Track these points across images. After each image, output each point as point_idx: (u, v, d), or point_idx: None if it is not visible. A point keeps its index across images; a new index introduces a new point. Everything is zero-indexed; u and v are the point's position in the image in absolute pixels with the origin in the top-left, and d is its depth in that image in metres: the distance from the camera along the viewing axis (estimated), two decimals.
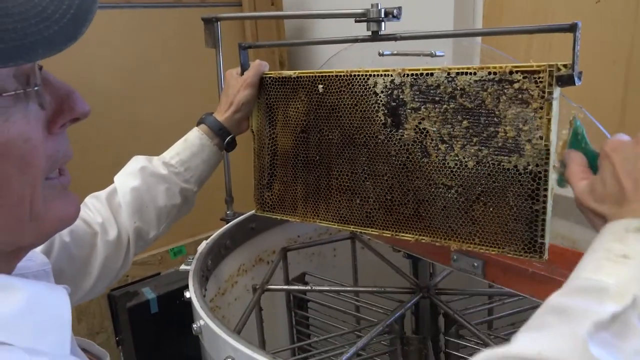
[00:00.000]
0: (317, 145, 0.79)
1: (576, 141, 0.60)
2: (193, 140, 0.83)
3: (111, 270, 0.75)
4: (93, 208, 0.76)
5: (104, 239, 0.74)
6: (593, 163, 0.57)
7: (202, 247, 0.94)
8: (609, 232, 0.44)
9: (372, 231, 0.75)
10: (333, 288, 1.05)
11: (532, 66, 0.60)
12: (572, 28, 0.58)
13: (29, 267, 0.48)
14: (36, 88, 0.37)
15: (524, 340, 0.39)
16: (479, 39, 1.25)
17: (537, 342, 0.37)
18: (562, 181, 0.61)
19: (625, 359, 0.36)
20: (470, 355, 0.91)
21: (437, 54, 0.83)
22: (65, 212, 0.43)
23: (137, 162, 0.80)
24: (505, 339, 0.90)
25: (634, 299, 0.37)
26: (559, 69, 0.59)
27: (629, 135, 0.53)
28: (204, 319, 0.73)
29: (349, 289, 1.08)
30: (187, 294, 0.81)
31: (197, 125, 0.86)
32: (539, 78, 0.60)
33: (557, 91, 0.60)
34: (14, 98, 0.36)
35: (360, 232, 0.77)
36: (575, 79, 0.58)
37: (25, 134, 0.37)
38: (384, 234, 0.74)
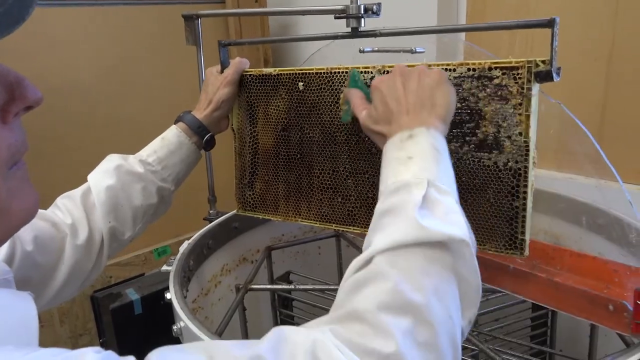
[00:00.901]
0: (298, 144, 0.78)
1: (354, 82, 0.70)
2: (171, 138, 0.82)
3: (81, 274, 0.73)
4: (64, 208, 0.74)
5: (73, 243, 0.72)
6: (368, 98, 0.66)
7: (183, 247, 0.93)
8: (392, 146, 0.56)
9: (354, 229, 0.75)
10: (318, 287, 1.04)
11: (510, 62, 0.60)
12: (550, 23, 0.58)
13: None
14: None
15: (378, 239, 0.48)
16: (462, 36, 1.25)
17: (388, 236, 0.48)
18: (348, 115, 0.70)
19: (442, 219, 0.48)
20: None
21: (417, 50, 0.83)
22: (28, 203, 0.42)
23: (112, 160, 0.78)
24: (489, 335, 0.90)
25: (427, 182, 0.50)
26: (537, 65, 0.59)
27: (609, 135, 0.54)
28: (184, 321, 0.72)
29: (334, 287, 1.08)
30: (168, 295, 0.79)
31: (175, 123, 0.84)
32: (517, 74, 0.60)
33: (536, 87, 0.60)
34: None
35: (343, 230, 0.77)
36: (554, 74, 0.58)
37: None
38: (366, 232, 0.73)
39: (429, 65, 0.65)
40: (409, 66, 0.63)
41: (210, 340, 0.65)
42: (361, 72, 0.71)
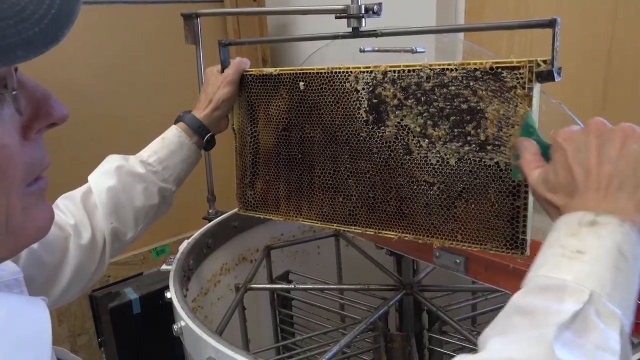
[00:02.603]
0: (299, 143, 0.78)
1: (527, 132, 0.60)
2: (171, 139, 0.82)
3: (84, 275, 0.73)
4: (65, 209, 0.74)
5: (77, 243, 0.72)
6: (545, 153, 0.56)
7: (183, 246, 0.93)
8: (564, 226, 0.45)
9: (355, 229, 0.75)
10: (317, 286, 1.05)
11: (512, 62, 0.60)
12: (551, 24, 0.58)
13: (0, 276, 0.46)
14: (14, 92, 0.35)
15: (494, 346, 0.40)
16: (461, 35, 1.25)
17: (507, 348, 0.39)
18: (517, 172, 0.60)
19: (586, 356, 0.37)
20: (454, 351, 0.91)
21: (417, 50, 0.83)
22: (42, 221, 0.41)
23: (112, 161, 0.78)
24: None
25: (590, 294, 0.39)
26: (538, 65, 0.59)
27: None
28: (184, 320, 0.72)
29: (333, 286, 1.08)
30: (168, 295, 0.79)
31: (175, 123, 0.84)
32: (519, 74, 0.60)
33: (537, 87, 0.60)
34: None
35: (344, 230, 0.77)
36: (555, 74, 0.59)
37: (1, 140, 0.35)
38: (367, 232, 0.74)
39: (430, 66, 0.65)
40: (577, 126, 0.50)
41: None
42: (364, 71, 0.70)
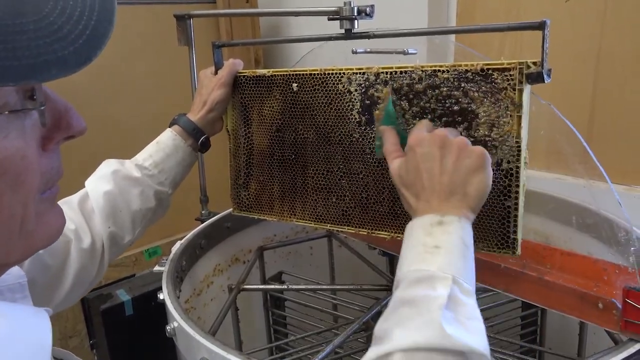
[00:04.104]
0: (292, 144, 0.78)
1: (389, 121, 0.67)
2: (166, 142, 0.82)
3: (86, 279, 0.74)
4: (65, 215, 0.74)
5: (78, 247, 0.72)
6: (403, 140, 0.64)
7: (176, 247, 0.93)
8: (419, 228, 0.55)
9: (348, 229, 0.75)
10: (310, 287, 1.05)
11: (502, 64, 0.61)
12: (540, 26, 0.59)
13: (4, 280, 0.46)
14: (42, 107, 0.37)
15: (399, 335, 0.48)
16: (452, 37, 1.26)
17: (409, 335, 0.47)
18: (380, 152, 0.68)
19: (464, 325, 0.48)
20: None
21: (409, 51, 0.84)
22: (55, 226, 0.42)
23: (108, 166, 0.78)
24: None
25: (452, 278, 0.50)
26: (528, 67, 0.60)
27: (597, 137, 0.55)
28: (177, 321, 0.72)
29: (325, 287, 1.08)
30: (161, 296, 0.79)
31: (169, 126, 0.84)
32: (509, 75, 0.61)
33: (527, 88, 0.61)
34: (13, 114, 0.35)
35: (337, 231, 0.77)
36: (545, 76, 0.59)
37: (22, 150, 0.36)
38: (360, 232, 0.74)
39: (422, 67, 0.66)
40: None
41: None
42: (356, 73, 0.71)
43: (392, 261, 0.94)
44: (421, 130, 0.61)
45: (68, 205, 0.75)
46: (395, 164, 0.62)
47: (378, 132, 0.69)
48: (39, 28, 0.32)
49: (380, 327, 0.50)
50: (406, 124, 0.68)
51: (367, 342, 0.94)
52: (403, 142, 0.64)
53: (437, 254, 0.52)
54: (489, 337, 0.79)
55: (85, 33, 0.34)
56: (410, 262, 0.53)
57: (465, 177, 0.56)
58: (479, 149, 0.57)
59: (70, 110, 0.40)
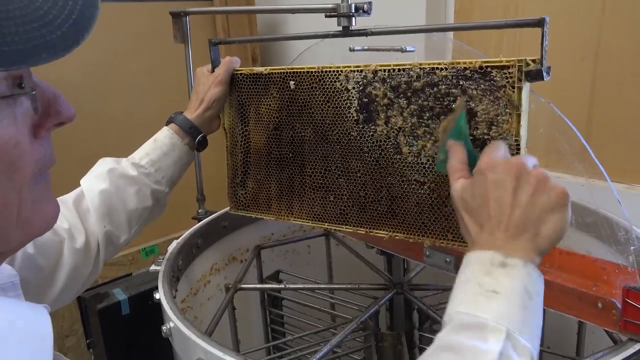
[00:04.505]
0: (289, 143, 0.78)
1: (458, 135, 0.61)
2: (163, 140, 0.81)
3: (79, 279, 0.73)
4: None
5: (71, 247, 0.71)
6: (471, 160, 0.59)
7: (172, 246, 0.93)
8: (478, 264, 0.50)
9: (346, 228, 0.75)
10: (307, 286, 1.04)
11: (501, 61, 0.61)
12: (539, 23, 0.58)
13: None
14: (33, 92, 0.37)
15: None
16: (450, 34, 1.25)
17: None
18: (442, 167, 0.62)
19: None
20: None
21: (407, 49, 0.83)
22: (50, 215, 0.43)
23: (104, 164, 0.78)
24: None
25: (507, 332, 0.44)
26: (527, 64, 0.59)
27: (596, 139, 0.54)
28: (173, 321, 0.71)
29: (323, 286, 1.08)
30: (157, 295, 0.79)
31: (166, 125, 0.83)
32: (508, 73, 0.60)
33: (526, 86, 0.60)
34: (4, 101, 0.36)
35: (335, 230, 0.77)
36: (544, 73, 0.59)
37: (15, 138, 0.37)
38: (358, 231, 0.74)
39: (420, 65, 0.65)
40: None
41: None
42: (354, 71, 0.70)
43: (390, 260, 0.94)
44: (495, 153, 0.55)
45: (63, 204, 0.74)
46: (459, 185, 0.56)
47: (441, 143, 0.63)
48: (26, 14, 0.33)
49: None
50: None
51: (365, 342, 0.94)
52: (470, 164, 0.59)
53: (494, 300, 0.46)
54: None
55: (71, 17, 0.35)
56: (460, 301, 0.48)
57: (540, 216, 0.50)
58: (561, 186, 0.51)
59: (59, 97, 0.41)
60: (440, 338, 0.47)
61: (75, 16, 0.35)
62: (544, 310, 0.91)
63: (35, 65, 0.34)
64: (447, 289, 1.01)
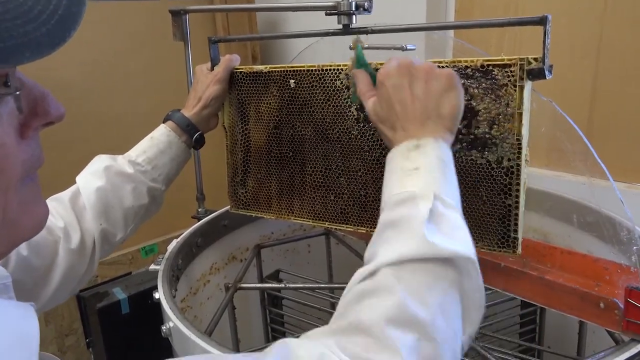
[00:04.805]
0: (290, 141, 0.77)
1: (360, 64, 0.66)
2: (160, 137, 0.81)
3: (74, 278, 0.72)
4: (54, 212, 0.72)
5: (67, 247, 0.70)
6: (374, 79, 0.62)
7: (172, 246, 0.92)
8: (397, 154, 0.55)
9: (346, 227, 0.74)
10: (308, 285, 1.04)
11: (503, 60, 0.60)
12: (542, 21, 0.58)
13: None
14: (17, 92, 0.36)
15: (384, 252, 0.48)
16: (451, 32, 1.25)
17: (393, 250, 0.47)
18: (355, 98, 0.66)
19: (448, 235, 0.48)
20: None
21: (408, 47, 0.83)
22: (38, 217, 0.41)
23: (100, 161, 0.77)
24: (479, 332, 0.91)
25: (434, 195, 0.50)
26: (529, 63, 0.59)
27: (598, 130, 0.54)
28: (173, 321, 0.71)
29: (323, 285, 1.07)
30: (157, 295, 0.78)
31: (163, 122, 0.83)
32: (510, 72, 0.60)
33: (528, 85, 0.60)
34: None
35: (335, 229, 0.76)
36: (546, 72, 0.58)
37: (0, 138, 0.35)
38: (359, 230, 0.73)
39: (438, 63, 0.64)
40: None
41: (217, 354, 0.63)
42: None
43: None
44: (388, 64, 0.60)
45: (59, 201, 0.74)
46: (370, 103, 0.61)
47: (351, 80, 0.67)
48: (8, 10, 0.31)
49: (367, 252, 0.51)
50: None
51: None
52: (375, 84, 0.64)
53: (417, 175, 0.52)
54: (487, 335, 0.79)
55: (57, 13, 0.33)
56: (391, 188, 0.54)
57: (437, 100, 0.56)
58: (447, 70, 0.57)
59: (47, 96, 0.39)
60: (381, 219, 0.52)
61: (62, 12, 0.34)
62: (545, 309, 0.91)
63: (18, 64, 0.33)
64: None
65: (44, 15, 0.33)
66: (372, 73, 0.64)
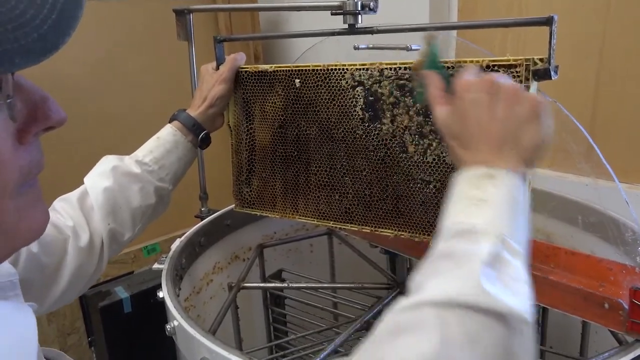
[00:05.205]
0: (295, 141, 0.77)
1: (434, 64, 0.61)
2: (166, 137, 0.81)
3: (83, 277, 0.73)
4: (63, 212, 0.73)
5: (76, 245, 0.71)
6: (448, 86, 0.58)
7: (175, 245, 0.92)
8: (467, 180, 0.51)
9: (351, 227, 0.75)
10: (310, 285, 1.04)
11: (508, 60, 0.60)
12: (548, 21, 0.58)
13: None
14: (9, 101, 0.33)
15: (433, 287, 0.44)
16: (454, 32, 1.25)
17: (442, 286, 0.43)
18: (421, 98, 0.62)
19: (506, 286, 0.43)
20: None
21: (412, 47, 0.83)
22: (37, 224, 0.39)
23: (108, 162, 0.77)
24: None
25: (498, 234, 0.45)
26: (535, 63, 0.59)
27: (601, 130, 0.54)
28: (177, 320, 0.71)
29: (326, 285, 1.07)
30: (160, 294, 0.78)
31: (169, 122, 0.83)
32: (515, 72, 0.60)
33: (533, 85, 0.60)
34: None
35: (340, 228, 0.77)
36: (552, 72, 0.58)
37: None
38: (364, 230, 0.73)
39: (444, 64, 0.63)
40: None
41: None
42: (360, 69, 0.70)
43: (394, 259, 0.94)
44: (468, 75, 0.55)
45: (67, 202, 0.74)
46: (441, 112, 0.56)
47: (419, 79, 0.62)
48: None
49: (415, 279, 0.46)
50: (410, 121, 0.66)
51: None
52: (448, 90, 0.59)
53: (484, 208, 0.47)
54: None
55: (50, 17, 0.31)
56: (452, 215, 0.49)
57: (518, 127, 0.51)
58: (534, 96, 0.53)
59: (48, 100, 0.37)
60: (436, 248, 0.48)
61: (56, 16, 0.31)
62: (548, 309, 0.91)
63: (7, 72, 0.30)
64: None
65: (36, 20, 0.30)
66: (447, 77, 0.59)
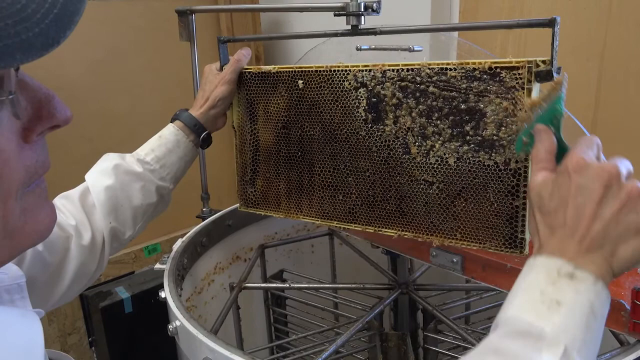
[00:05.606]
0: (298, 141, 0.78)
1: (551, 118, 0.55)
2: (168, 137, 0.81)
3: (85, 275, 0.73)
4: (65, 210, 0.73)
5: (78, 243, 0.71)
6: (559, 151, 0.53)
7: (177, 245, 0.92)
8: (543, 270, 0.45)
9: (354, 227, 0.75)
10: (311, 285, 1.04)
11: (511, 62, 0.60)
12: (551, 23, 0.58)
13: (1, 280, 0.45)
14: (11, 97, 0.33)
15: None
16: (455, 33, 1.25)
17: None
18: (521, 149, 0.57)
19: None
20: (449, 350, 0.92)
21: (415, 48, 0.83)
22: (43, 224, 0.39)
23: (109, 160, 0.77)
24: (483, 333, 0.91)
25: (564, 349, 0.41)
26: (537, 65, 0.59)
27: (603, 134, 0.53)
28: (180, 320, 0.71)
29: (327, 285, 1.08)
30: (162, 294, 0.79)
31: (171, 121, 0.83)
32: (518, 74, 0.60)
33: (536, 87, 0.60)
34: None
35: (343, 228, 0.77)
36: (554, 74, 0.59)
37: None
38: (367, 230, 0.74)
39: (429, 65, 0.64)
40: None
41: None
42: (362, 70, 0.70)
43: (395, 260, 0.94)
44: (587, 151, 0.49)
45: (68, 199, 0.74)
46: (539, 178, 0.50)
47: (527, 124, 0.57)
48: (0, 9, 0.29)
49: None
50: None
51: (370, 342, 0.94)
52: (558, 154, 0.52)
53: (556, 311, 0.42)
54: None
55: (52, 12, 0.31)
56: (519, 307, 0.44)
57: (623, 234, 0.45)
58: None
59: (53, 98, 0.37)
60: (491, 341, 0.44)
61: (58, 10, 0.31)
62: None
63: (8, 67, 0.30)
64: (452, 289, 1.02)
65: (37, 15, 0.30)
66: (561, 140, 0.53)
